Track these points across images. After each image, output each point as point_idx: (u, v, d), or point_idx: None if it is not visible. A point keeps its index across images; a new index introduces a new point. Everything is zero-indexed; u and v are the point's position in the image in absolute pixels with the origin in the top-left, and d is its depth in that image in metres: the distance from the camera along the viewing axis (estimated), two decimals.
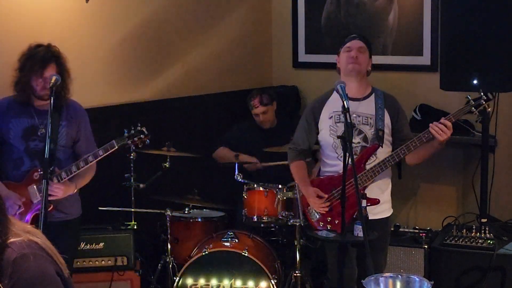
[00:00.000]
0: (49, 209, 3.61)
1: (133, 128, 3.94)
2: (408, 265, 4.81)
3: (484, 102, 3.88)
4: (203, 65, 5.67)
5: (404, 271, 4.72)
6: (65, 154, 3.91)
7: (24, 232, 2.18)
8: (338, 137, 3.57)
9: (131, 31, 5.03)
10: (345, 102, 3.40)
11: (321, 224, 4.10)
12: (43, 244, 2.19)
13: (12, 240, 2.13)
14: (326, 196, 4.07)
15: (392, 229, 5.17)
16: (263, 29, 6.34)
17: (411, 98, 5.70)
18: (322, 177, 4.21)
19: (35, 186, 3.82)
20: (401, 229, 5.13)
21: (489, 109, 4.02)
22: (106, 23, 4.84)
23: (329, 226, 4.06)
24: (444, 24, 4.97)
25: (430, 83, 5.49)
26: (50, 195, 3.63)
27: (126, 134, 3.91)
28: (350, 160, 3.41)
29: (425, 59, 5.70)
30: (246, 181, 4.82)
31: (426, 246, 4.78)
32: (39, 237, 2.21)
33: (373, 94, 4.15)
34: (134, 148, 3.93)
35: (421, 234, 4.94)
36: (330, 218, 4.06)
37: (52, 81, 3.65)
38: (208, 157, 5.31)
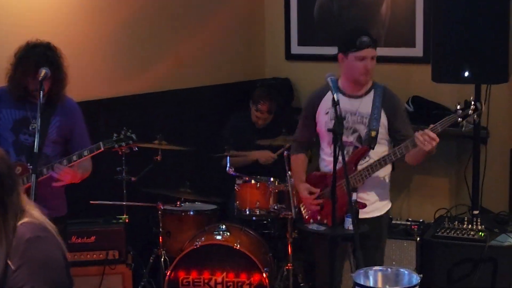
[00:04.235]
0: None
1: (123, 132, 3.84)
2: (400, 258, 4.81)
3: (471, 113, 3.74)
4: (195, 58, 5.65)
5: (396, 263, 4.73)
6: (54, 150, 3.83)
7: (37, 214, 2.27)
8: (329, 130, 3.55)
9: (123, 23, 5.00)
10: (334, 95, 3.37)
11: (311, 221, 4.07)
12: (52, 228, 2.28)
13: (26, 220, 2.22)
14: (318, 191, 4.03)
15: None
16: (256, 21, 6.32)
17: (404, 90, 5.67)
18: (315, 174, 4.16)
19: None
20: (393, 221, 5.12)
21: (476, 118, 3.86)
22: (97, 15, 4.82)
23: (316, 225, 4.01)
24: (436, 16, 4.95)
25: (422, 75, 5.47)
26: (57, 179, 3.67)
27: (114, 138, 3.80)
28: (340, 156, 3.38)
29: (417, 50, 5.68)
30: (237, 174, 4.82)
31: (418, 239, 4.78)
32: (48, 221, 2.29)
33: (373, 91, 4.02)
34: (119, 152, 3.81)
35: (413, 227, 4.94)
36: (320, 217, 4.01)
37: (42, 74, 3.61)
38: (202, 151, 5.29)
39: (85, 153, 3.77)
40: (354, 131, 3.96)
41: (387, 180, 4.13)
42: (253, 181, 4.73)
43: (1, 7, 4.22)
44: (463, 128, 3.81)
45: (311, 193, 4.04)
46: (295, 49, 6.25)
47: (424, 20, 5.58)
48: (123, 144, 3.81)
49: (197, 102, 5.64)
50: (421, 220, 5.13)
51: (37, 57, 3.69)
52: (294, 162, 4.27)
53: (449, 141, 5.52)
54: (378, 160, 3.88)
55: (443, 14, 4.84)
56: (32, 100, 3.79)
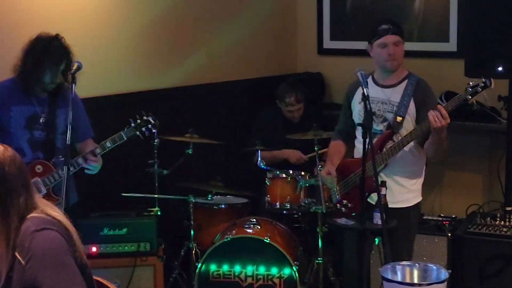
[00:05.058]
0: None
1: (138, 117, 3.88)
2: (431, 253, 4.78)
3: (480, 90, 3.76)
4: (227, 52, 5.67)
5: (427, 259, 4.70)
6: (63, 142, 3.80)
7: (52, 212, 2.29)
8: (358, 124, 3.58)
9: (155, 17, 5.04)
10: (365, 89, 3.41)
11: (338, 206, 4.15)
12: (66, 224, 2.30)
13: (34, 214, 2.25)
14: (334, 174, 4.18)
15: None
16: (288, 15, 6.31)
17: (437, 85, 5.60)
18: (347, 160, 4.29)
19: (39, 179, 3.74)
20: (424, 217, 5.09)
21: (485, 95, 3.85)
22: (129, 9, 4.85)
23: (343, 209, 4.09)
24: (470, 11, 4.91)
25: (456, 70, 5.41)
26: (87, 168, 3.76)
27: (133, 125, 3.86)
28: (369, 147, 3.41)
29: (451, 45, 5.65)
30: (268, 168, 4.84)
31: (449, 234, 4.75)
32: (62, 217, 2.31)
33: (406, 81, 4.09)
34: (142, 138, 3.86)
35: (444, 222, 4.91)
36: (346, 201, 4.09)
37: (75, 67, 3.65)
38: (234, 145, 5.30)
39: (108, 144, 3.81)
40: (384, 119, 4.05)
41: (418, 172, 4.16)
42: (283, 176, 4.73)
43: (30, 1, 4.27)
44: (474, 107, 3.81)
45: (329, 173, 4.20)
46: (328, 43, 6.24)
47: (458, 14, 5.54)
48: (143, 129, 3.84)
49: (229, 96, 5.66)
50: (453, 216, 5.09)
51: (58, 49, 3.72)
52: (330, 146, 4.45)
53: (483, 137, 5.48)
54: (396, 142, 3.93)
55: (477, 9, 4.80)
56: (39, 94, 3.81)
